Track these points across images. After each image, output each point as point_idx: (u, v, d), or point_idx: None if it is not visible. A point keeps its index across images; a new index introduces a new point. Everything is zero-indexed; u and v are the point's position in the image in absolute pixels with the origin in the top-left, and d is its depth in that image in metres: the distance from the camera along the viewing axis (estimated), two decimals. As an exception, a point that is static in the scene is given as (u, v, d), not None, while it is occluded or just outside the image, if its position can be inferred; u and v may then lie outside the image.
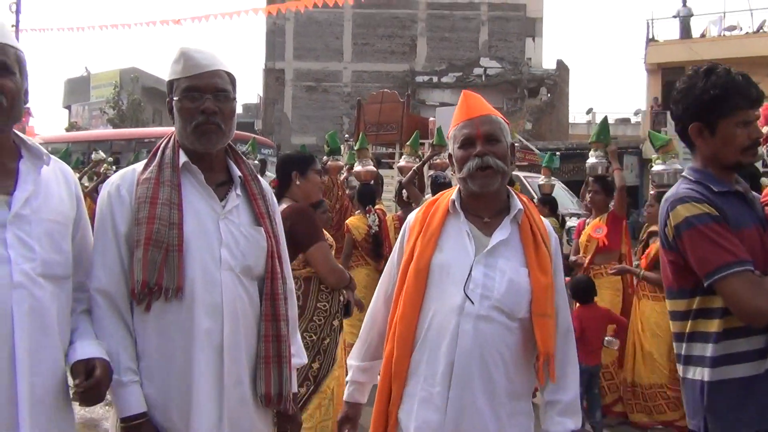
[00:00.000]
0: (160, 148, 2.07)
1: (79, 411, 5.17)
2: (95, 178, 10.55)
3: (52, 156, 1.90)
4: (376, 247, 6.28)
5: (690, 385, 2.08)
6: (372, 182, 7.03)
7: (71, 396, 1.86)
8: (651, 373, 4.93)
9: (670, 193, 2.14)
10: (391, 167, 13.21)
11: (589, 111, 34.98)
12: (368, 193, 6.68)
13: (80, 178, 10.45)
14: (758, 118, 2.28)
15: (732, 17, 22.50)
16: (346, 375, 2.38)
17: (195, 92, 1.97)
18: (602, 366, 5.10)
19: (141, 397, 1.90)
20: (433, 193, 5.80)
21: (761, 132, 2.21)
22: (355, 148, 7.57)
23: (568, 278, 5.19)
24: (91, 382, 1.74)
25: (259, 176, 2.19)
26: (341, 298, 3.82)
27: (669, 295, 2.18)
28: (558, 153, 15.75)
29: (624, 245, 5.66)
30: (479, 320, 1.98)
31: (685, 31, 22.28)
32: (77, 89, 36.08)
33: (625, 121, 32.77)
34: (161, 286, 1.88)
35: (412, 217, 2.24)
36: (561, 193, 10.62)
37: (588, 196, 5.91)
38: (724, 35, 21.71)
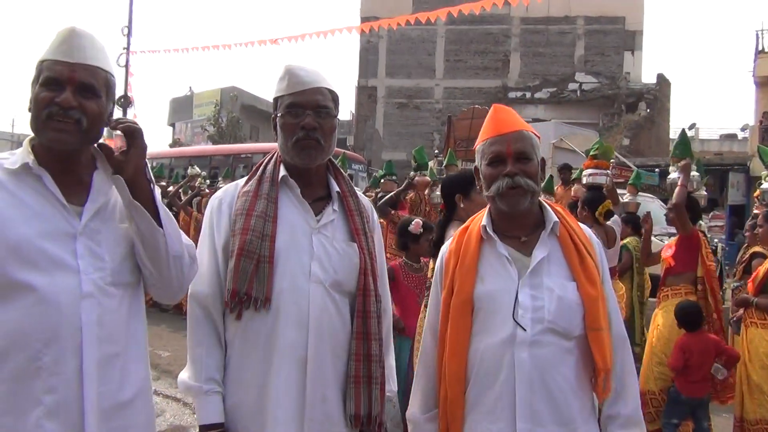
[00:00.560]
0: (263, 163, 2.12)
1: (168, 418, 5.34)
2: (190, 191, 10.98)
3: None
4: None
5: None
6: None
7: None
8: (758, 407, 4.57)
9: None
10: (481, 183, 13.06)
11: (692, 126, 33.54)
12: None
13: (176, 192, 10.90)
14: None
15: None
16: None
17: (297, 108, 2.01)
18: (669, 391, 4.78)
19: (220, 407, 1.93)
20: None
21: None
22: (444, 164, 7.54)
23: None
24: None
25: (358, 192, 2.18)
26: None
27: None
28: (657, 170, 15.11)
29: (701, 267, 5.11)
30: (534, 347, 1.86)
31: (798, 42, 21.00)
32: (181, 108, 37.86)
33: (731, 137, 31.19)
34: (251, 296, 1.92)
35: (445, 249, 2.12)
36: (658, 211, 10.14)
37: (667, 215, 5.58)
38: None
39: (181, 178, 13.67)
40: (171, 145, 33.10)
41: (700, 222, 5.57)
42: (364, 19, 25.84)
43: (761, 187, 5.02)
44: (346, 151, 12.26)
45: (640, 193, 9.22)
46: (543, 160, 2.06)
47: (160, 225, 1.79)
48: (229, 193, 2.10)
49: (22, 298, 1.63)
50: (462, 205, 3.61)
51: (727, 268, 11.31)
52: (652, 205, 10.60)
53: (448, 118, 15.76)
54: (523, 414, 1.84)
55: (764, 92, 21.58)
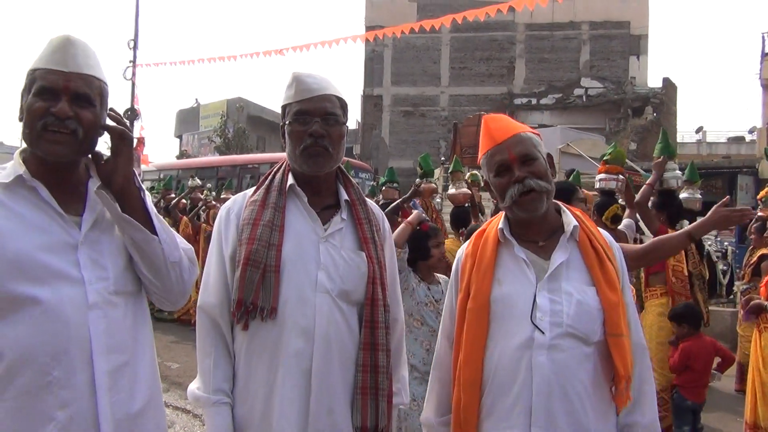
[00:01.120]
0: (272, 173, 2.11)
1: (179, 430, 5.32)
2: (191, 203, 11.02)
3: None
4: None
5: None
6: (467, 205, 6.94)
7: None
8: None
9: None
10: (485, 189, 13.05)
11: (699, 129, 33.45)
12: (461, 216, 6.61)
13: (177, 203, 10.97)
14: None
15: None
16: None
17: (305, 116, 1.99)
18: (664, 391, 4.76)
19: (228, 418, 1.91)
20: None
21: None
22: (450, 171, 7.53)
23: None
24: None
25: (368, 201, 2.16)
26: None
27: None
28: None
29: (668, 268, 5.05)
30: (553, 350, 1.82)
31: (805, 43, 20.93)
32: (188, 119, 38.05)
33: (739, 140, 31.09)
34: (257, 306, 1.90)
35: (461, 252, 2.10)
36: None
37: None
38: None
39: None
40: (178, 157, 33.25)
41: (683, 222, 5.51)
42: (368, 28, 25.95)
43: None
44: (351, 160, 12.25)
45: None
46: (550, 156, 2.03)
47: (155, 233, 1.77)
48: (237, 202, 2.08)
49: (27, 313, 1.61)
50: None
51: (738, 271, 11.25)
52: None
53: (454, 125, 15.77)
54: (539, 419, 1.80)
55: (771, 94, 21.48)
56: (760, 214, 6.66)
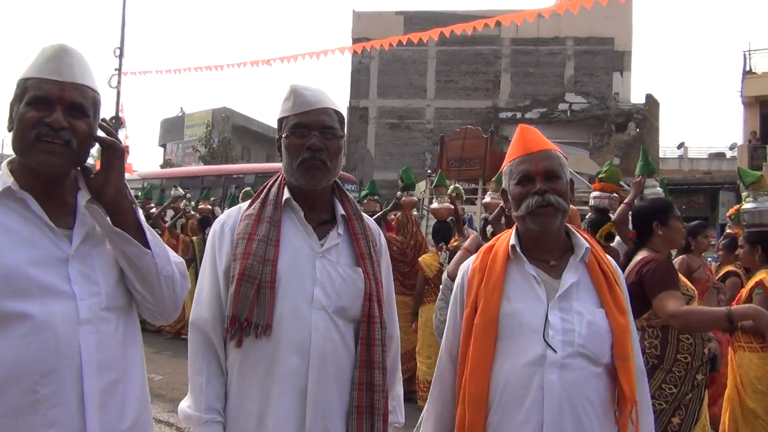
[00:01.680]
0: (267, 186, 2.07)
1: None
2: (174, 213, 10.94)
3: None
4: None
5: None
6: (451, 219, 6.96)
7: None
8: None
9: None
10: (473, 203, 13.09)
11: (681, 145, 33.79)
12: (443, 231, 6.63)
13: (159, 214, 10.87)
14: None
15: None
16: None
17: (303, 129, 1.96)
18: None
19: None
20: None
21: None
22: (433, 185, 7.55)
23: None
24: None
25: (365, 216, 2.12)
26: (706, 351, 3.50)
27: None
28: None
29: None
30: (564, 369, 1.81)
31: (785, 63, 21.28)
32: (173, 128, 37.90)
33: (720, 156, 31.44)
34: (251, 322, 1.85)
35: (468, 267, 2.08)
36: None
37: None
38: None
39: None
40: (162, 166, 33.07)
41: None
42: (355, 40, 26.01)
43: (743, 207, 5.00)
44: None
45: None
46: (572, 182, 2.04)
47: (148, 246, 1.74)
48: (232, 216, 2.04)
49: (16, 329, 1.55)
50: (660, 233, 3.52)
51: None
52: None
53: (441, 139, 15.79)
54: None
55: (752, 112, 21.82)
56: (729, 231, 6.74)
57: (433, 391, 2.11)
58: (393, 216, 7.54)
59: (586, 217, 5.82)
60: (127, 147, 18.33)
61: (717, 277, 6.47)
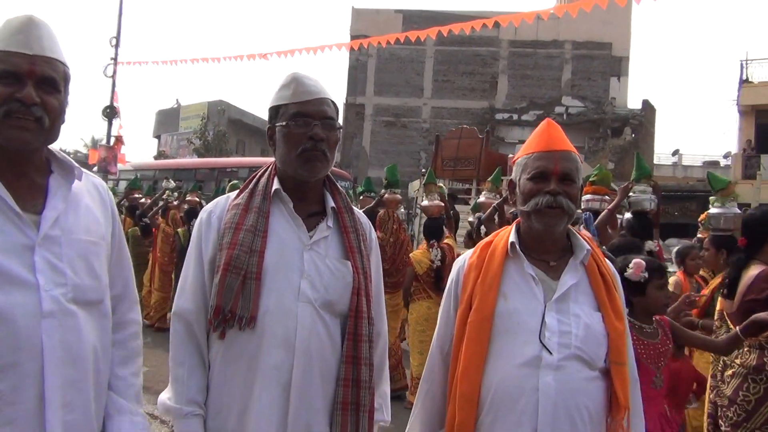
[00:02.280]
0: (257, 176, 2.02)
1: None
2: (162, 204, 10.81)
3: (84, 170, 1.76)
4: (438, 281, 6.30)
5: None
6: (442, 216, 6.96)
7: None
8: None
9: None
10: (467, 203, 13.10)
11: (675, 152, 33.94)
12: (434, 228, 6.65)
13: (150, 206, 10.71)
14: None
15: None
16: None
17: (305, 118, 1.91)
18: None
19: (200, 430, 1.82)
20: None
21: None
22: (423, 182, 7.56)
23: None
24: None
25: (355, 210, 2.08)
26: None
27: None
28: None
29: None
30: (560, 372, 1.78)
31: (782, 73, 21.39)
32: (167, 120, 37.75)
33: (714, 164, 31.57)
34: (235, 314, 1.81)
35: (464, 262, 2.03)
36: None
37: None
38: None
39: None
40: (156, 157, 32.94)
41: (649, 242, 5.59)
42: (353, 37, 25.97)
43: (709, 212, 5.06)
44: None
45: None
46: (581, 187, 2.00)
47: None
48: (219, 205, 1.98)
49: None
50: None
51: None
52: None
53: (437, 138, 15.80)
54: None
55: (747, 121, 21.91)
56: (699, 236, 6.82)
57: (423, 388, 2.07)
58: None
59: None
60: (121, 137, 18.26)
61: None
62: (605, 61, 29.05)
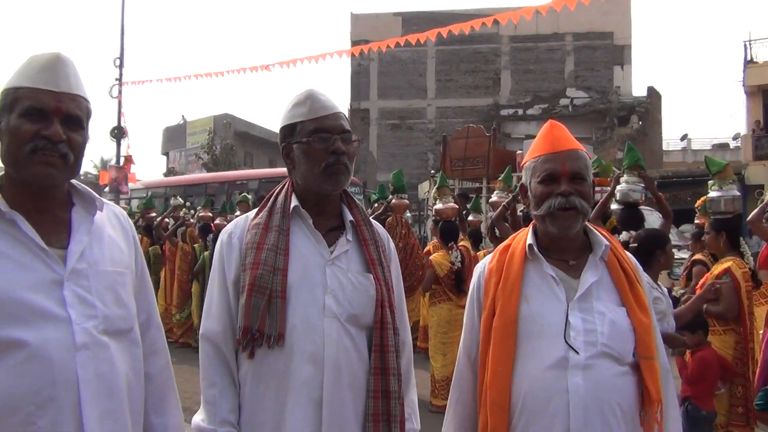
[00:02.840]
0: (274, 194, 2.04)
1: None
2: (173, 222, 10.93)
3: (104, 200, 1.78)
4: (459, 283, 6.39)
5: None
6: (455, 219, 7.03)
7: None
8: None
9: None
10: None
11: (684, 137, 33.75)
12: (450, 230, 6.72)
13: (160, 223, 10.84)
14: None
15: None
16: None
17: (325, 133, 1.93)
18: None
19: None
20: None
21: None
22: (436, 186, 7.60)
23: None
24: None
25: (373, 222, 2.09)
26: None
27: None
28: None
29: None
30: (588, 371, 1.77)
31: (786, 51, 21.24)
32: (175, 136, 37.94)
33: (724, 146, 31.35)
34: (263, 333, 1.83)
35: (484, 268, 2.02)
36: (656, 222, 10.09)
37: None
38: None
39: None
40: (165, 174, 33.13)
41: (623, 233, 5.56)
42: (354, 43, 26.04)
43: (708, 196, 5.04)
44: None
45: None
46: (593, 183, 1.98)
47: None
48: (239, 226, 2.00)
49: (10, 358, 1.46)
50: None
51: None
52: (651, 217, 10.60)
53: (444, 138, 15.77)
54: None
55: (755, 101, 21.74)
56: (697, 221, 6.81)
57: (453, 396, 2.07)
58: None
59: None
60: (131, 156, 18.37)
61: (685, 266, 6.51)
62: (607, 51, 28.96)
